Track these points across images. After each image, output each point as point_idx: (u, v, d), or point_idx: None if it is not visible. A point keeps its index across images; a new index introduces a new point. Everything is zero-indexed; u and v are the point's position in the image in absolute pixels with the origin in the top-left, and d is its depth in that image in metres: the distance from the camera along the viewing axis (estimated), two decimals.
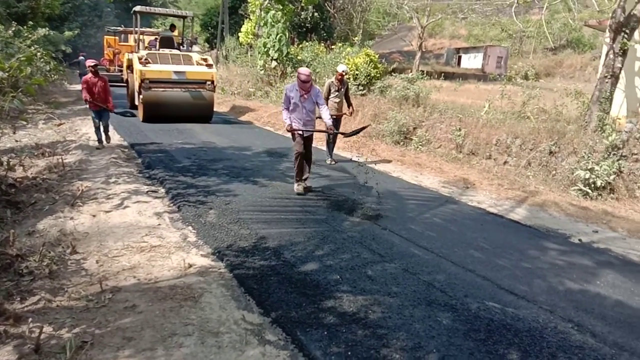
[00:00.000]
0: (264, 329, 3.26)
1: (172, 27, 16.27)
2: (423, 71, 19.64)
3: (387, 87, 14.47)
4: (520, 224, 6.19)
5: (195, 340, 3.05)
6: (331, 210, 6.04)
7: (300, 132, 6.63)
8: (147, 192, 6.45)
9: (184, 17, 15.50)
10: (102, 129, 9.30)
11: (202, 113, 13.25)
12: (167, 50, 13.72)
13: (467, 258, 4.74)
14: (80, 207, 5.64)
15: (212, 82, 13.05)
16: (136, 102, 13.52)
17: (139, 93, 12.53)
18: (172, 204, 5.99)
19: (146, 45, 14.83)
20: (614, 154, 7.89)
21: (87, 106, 9.29)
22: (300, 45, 21.02)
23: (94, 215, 5.38)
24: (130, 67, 14.62)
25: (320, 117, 6.89)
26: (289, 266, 4.26)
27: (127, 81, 15.54)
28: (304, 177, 6.84)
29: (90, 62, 9.13)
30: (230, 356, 2.92)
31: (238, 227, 5.18)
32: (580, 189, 7.82)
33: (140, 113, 13.02)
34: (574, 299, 4.00)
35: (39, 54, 13.05)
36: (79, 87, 14.40)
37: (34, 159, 8.22)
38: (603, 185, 7.68)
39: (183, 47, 14.93)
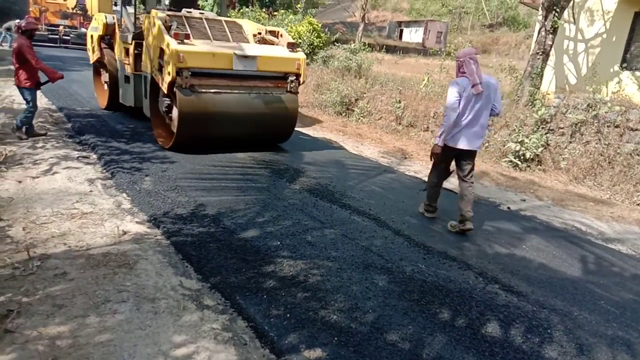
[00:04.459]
0: (202, 295, 3.23)
1: None
2: (365, 43, 19.66)
3: (329, 57, 14.41)
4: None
5: (130, 306, 2.98)
6: (273, 179, 6.01)
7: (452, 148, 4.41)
8: (78, 157, 6.14)
9: None
10: None
11: (278, 130, 7.58)
12: (195, 12, 7.61)
13: (403, 224, 4.90)
14: (4, 173, 5.29)
15: (298, 77, 7.34)
16: (123, 101, 8.50)
17: (164, 98, 6.73)
18: (104, 170, 5.74)
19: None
20: (542, 128, 8.32)
21: (22, 84, 6.58)
22: (241, 11, 20.40)
23: (19, 181, 5.06)
24: (106, 38, 8.82)
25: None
26: (228, 233, 4.22)
27: (99, 64, 9.49)
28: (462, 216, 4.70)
29: (27, 24, 6.60)
30: (167, 321, 2.87)
31: (175, 194, 5.05)
32: (511, 161, 8.22)
33: (161, 132, 7.24)
34: (501, 262, 4.24)
35: None
36: None
37: None
38: (532, 157, 8.11)
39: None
